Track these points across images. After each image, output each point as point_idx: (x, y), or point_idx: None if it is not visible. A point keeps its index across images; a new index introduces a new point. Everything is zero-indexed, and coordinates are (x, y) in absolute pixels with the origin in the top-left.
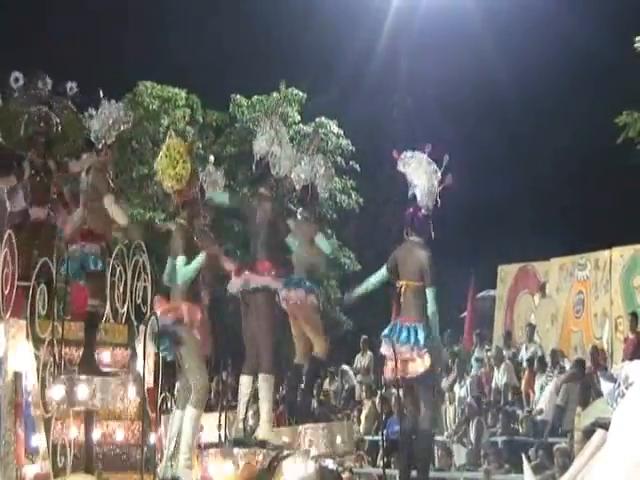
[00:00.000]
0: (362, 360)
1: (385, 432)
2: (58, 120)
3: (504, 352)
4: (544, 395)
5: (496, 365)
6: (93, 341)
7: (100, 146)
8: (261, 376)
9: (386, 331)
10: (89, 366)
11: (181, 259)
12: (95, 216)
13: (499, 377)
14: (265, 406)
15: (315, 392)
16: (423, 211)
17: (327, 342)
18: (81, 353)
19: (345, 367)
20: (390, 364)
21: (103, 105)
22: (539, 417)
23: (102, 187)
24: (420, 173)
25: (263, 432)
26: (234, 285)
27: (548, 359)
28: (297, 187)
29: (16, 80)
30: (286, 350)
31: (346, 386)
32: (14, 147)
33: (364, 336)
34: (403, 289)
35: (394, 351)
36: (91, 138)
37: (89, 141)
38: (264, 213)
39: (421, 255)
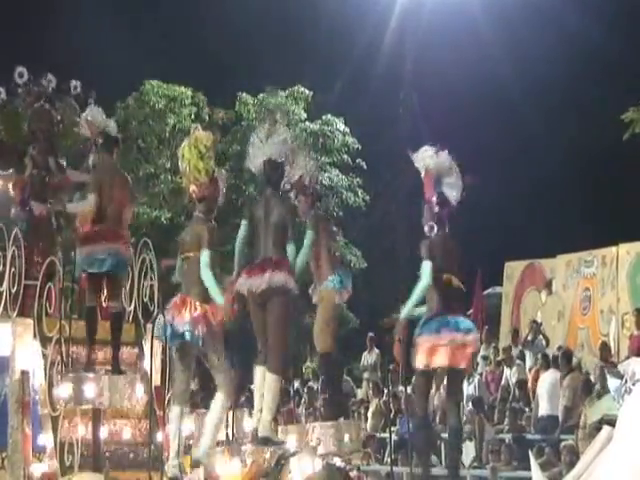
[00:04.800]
0: (369, 357)
1: (398, 430)
2: (60, 118)
3: (513, 350)
4: (541, 390)
5: (508, 365)
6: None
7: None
8: (268, 376)
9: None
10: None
11: (206, 254)
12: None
13: (511, 375)
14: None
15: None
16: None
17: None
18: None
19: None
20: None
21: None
22: (542, 413)
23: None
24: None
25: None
26: (245, 284)
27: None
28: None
29: (20, 75)
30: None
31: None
32: (16, 142)
33: (370, 333)
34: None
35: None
36: (107, 131)
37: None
38: (283, 212)
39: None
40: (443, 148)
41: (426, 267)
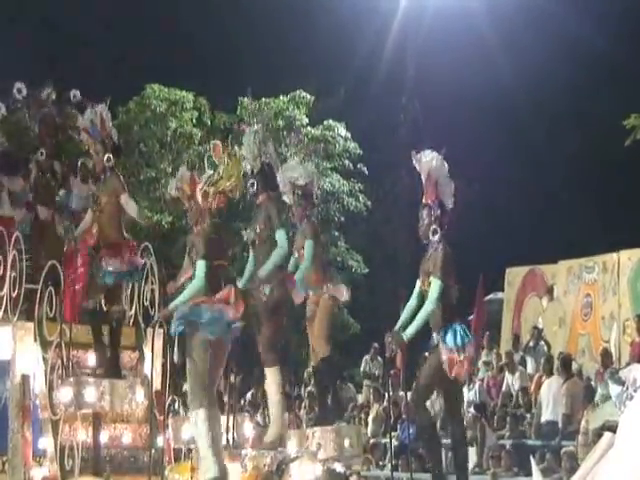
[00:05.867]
0: (371, 365)
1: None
2: (61, 122)
3: (515, 356)
4: (545, 396)
5: (510, 371)
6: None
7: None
8: None
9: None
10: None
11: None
12: (107, 219)
13: (513, 381)
14: None
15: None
16: None
17: None
18: (89, 356)
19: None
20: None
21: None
22: (544, 419)
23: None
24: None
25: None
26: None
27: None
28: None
29: (19, 91)
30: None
31: None
32: (20, 148)
33: (375, 344)
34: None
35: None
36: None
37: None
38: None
39: None
40: (444, 153)
41: (437, 289)
